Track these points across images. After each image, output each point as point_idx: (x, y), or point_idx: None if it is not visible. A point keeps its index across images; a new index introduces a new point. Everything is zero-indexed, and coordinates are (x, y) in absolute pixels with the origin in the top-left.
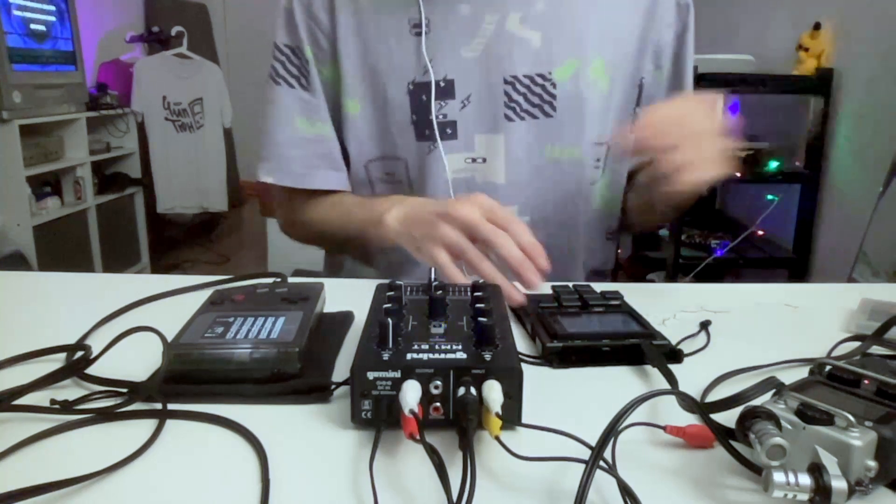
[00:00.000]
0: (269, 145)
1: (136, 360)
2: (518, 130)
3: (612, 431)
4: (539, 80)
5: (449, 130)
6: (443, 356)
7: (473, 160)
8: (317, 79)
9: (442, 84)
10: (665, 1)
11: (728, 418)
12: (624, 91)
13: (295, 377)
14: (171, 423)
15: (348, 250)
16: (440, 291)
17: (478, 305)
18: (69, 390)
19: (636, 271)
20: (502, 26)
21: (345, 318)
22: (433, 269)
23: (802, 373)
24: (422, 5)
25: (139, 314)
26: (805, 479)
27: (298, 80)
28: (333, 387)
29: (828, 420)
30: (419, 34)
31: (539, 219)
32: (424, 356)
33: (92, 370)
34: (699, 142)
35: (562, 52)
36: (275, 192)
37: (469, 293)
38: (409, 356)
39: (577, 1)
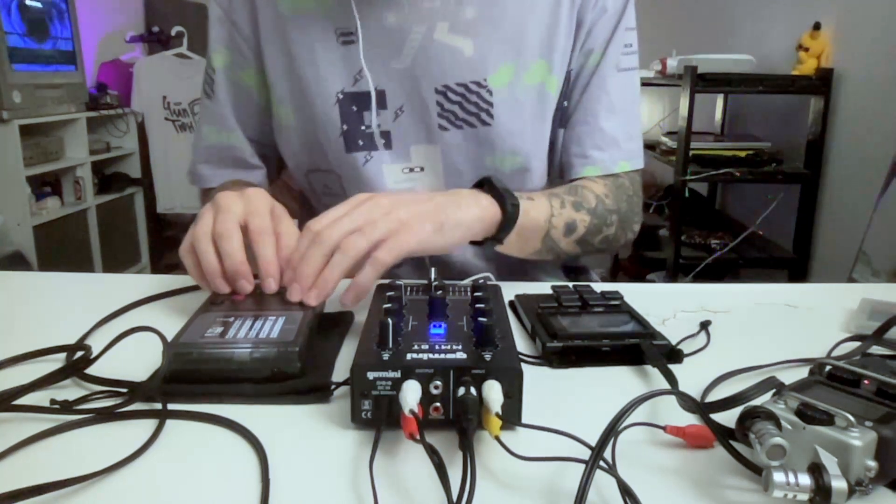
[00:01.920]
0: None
1: (136, 360)
2: (454, 139)
3: (612, 431)
4: (474, 88)
5: (384, 141)
6: (443, 356)
7: (411, 169)
8: (221, 87)
9: (372, 95)
10: None
11: (728, 418)
12: (562, 89)
13: (295, 377)
14: (171, 423)
15: None
16: (440, 291)
17: (478, 305)
18: (69, 390)
19: (636, 271)
20: (429, 37)
21: (345, 318)
22: (433, 269)
23: (802, 373)
24: (355, 9)
25: (139, 314)
26: (805, 479)
27: (207, 88)
28: (333, 387)
29: (828, 420)
30: (347, 43)
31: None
32: (424, 356)
33: (92, 370)
34: (365, 225)
35: (496, 58)
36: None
37: (469, 293)
38: (409, 356)
39: (510, 4)
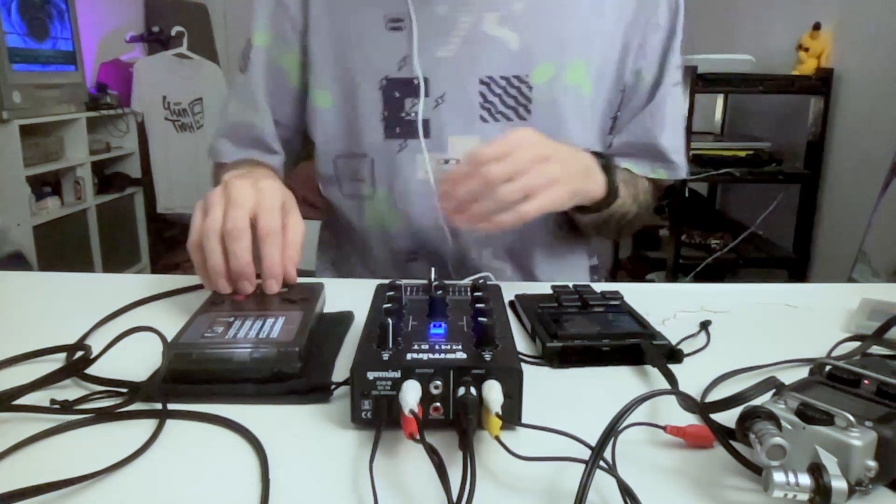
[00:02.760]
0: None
1: (136, 360)
2: (492, 131)
3: (612, 431)
4: (515, 82)
5: (422, 129)
6: (443, 356)
7: (446, 161)
8: (258, 66)
9: (416, 82)
10: (653, 1)
11: (728, 418)
12: (608, 95)
13: (295, 377)
14: (171, 423)
15: None
16: (440, 291)
17: (478, 305)
18: (69, 390)
19: (636, 271)
20: (478, 27)
21: (345, 318)
22: (433, 269)
23: (802, 373)
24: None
25: (139, 314)
26: (805, 479)
27: (242, 62)
28: (333, 387)
29: (828, 420)
30: (395, 29)
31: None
32: (424, 356)
33: (92, 370)
34: (526, 172)
35: (539, 53)
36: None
37: (469, 293)
38: (409, 356)
39: (559, 1)
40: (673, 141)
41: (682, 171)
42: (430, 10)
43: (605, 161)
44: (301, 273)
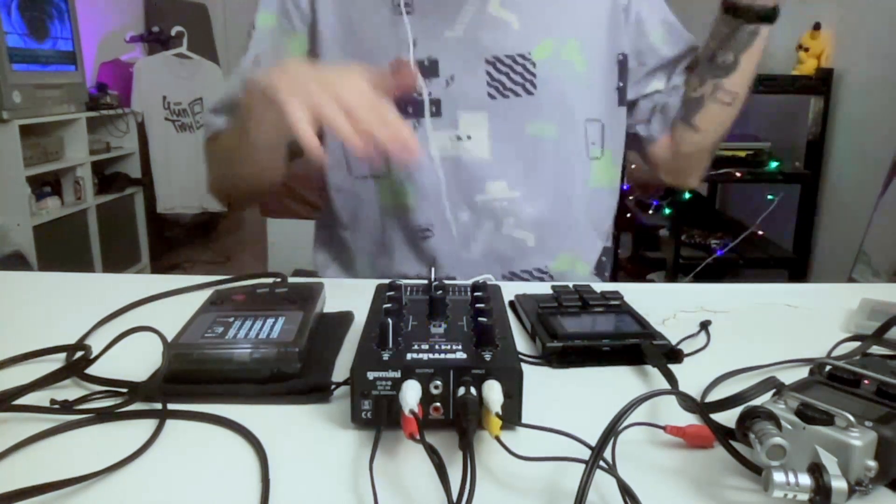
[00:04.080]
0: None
1: (136, 360)
2: (500, 107)
3: (612, 431)
4: (520, 60)
5: (434, 109)
6: (443, 356)
7: (458, 138)
8: (262, 45)
9: (426, 63)
10: None
11: (728, 418)
12: (602, 69)
13: (295, 377)
14: (171, 423)
15: (251, 165)
16: (440, 291)
17: (478, 305)
18: (69, 390)
19: (636, 271)
20: (483, 9)
21: (345, 318)
22: (433, 269)
23: (802, 373)
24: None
25: (139, 314)
26: (805, 479)
27: (245, 42)
28: (333, 387)
29: (828, 420)
30: (402, 13)
31: (530, 192)
32: (424, 356)
33: (92, 370)
34: None
35: (538, 33)
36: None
37: (469, 293)
38: (409, 356)
39: None
40: (671, 27)
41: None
42: None
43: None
44: (303, 273)
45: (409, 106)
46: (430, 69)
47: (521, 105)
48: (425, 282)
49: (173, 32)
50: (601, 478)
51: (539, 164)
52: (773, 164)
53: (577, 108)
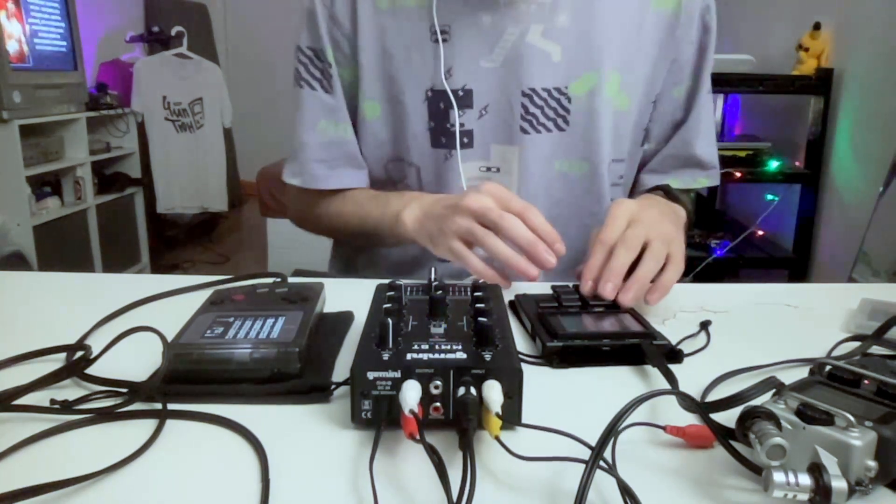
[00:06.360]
0: (295, 148)
1: (136, 360)
2: (533, 143)
3: (612, 431)
4: (555, 94)
5: (465, 139)
6: (443, 356)
7: (488, 168)
8: (338, 81)
9: (460, 93)
10: (688, 18)
11: (728, 418)
12: (640, 108)
13: (295, 377)
14: (171, 423)
15: (361, 242)
16: (440, 291)
17: (478, 305)
18: (69, 390)
19: None
20: (523, 38)
21: (345, 318)
22: (433, 269)
23: (802, 373)
24: (435, 15)
25: (139, 314)
26: (805, 479)
27: (321, 82)
28: (333, 387)
29: (828, 420)
30: (439, 41)
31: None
32: (424, 356)
33: (92, 370)
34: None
35: (580, 66)
36: (290, 187)
37: (469, 293)
38: (409, 356)
39: (601, 16)
40: (709, 147)
41: (718, 175)
42: (474, 20)
43: (666, 191)
44: (303, 273)
45: (444, 136)
46: (464, 99)
47: (552, 141)
48: (425, 282)
49: (173, 32)
50: (601, 478)
51: (564, 201)
52: (774, 164)
53: (606, 147)
